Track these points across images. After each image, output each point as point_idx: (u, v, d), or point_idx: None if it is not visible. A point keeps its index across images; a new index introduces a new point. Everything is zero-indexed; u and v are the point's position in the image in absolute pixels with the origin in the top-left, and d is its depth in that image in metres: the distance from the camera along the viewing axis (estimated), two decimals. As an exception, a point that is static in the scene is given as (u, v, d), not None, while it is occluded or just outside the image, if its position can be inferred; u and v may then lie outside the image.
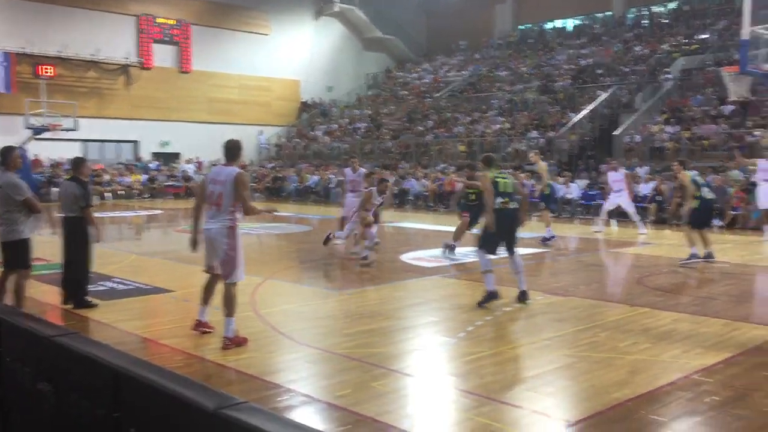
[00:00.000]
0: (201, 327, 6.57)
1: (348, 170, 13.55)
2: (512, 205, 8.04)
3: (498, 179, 8.05)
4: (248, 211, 6.23)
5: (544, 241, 13.48)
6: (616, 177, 15.39)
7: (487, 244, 8.04)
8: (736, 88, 9.42)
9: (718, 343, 6.35)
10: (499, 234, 7.99)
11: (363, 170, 13.59)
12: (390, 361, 5.82)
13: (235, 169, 6.17)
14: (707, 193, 11.05)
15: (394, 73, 41.58)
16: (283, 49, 36.87)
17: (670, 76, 26.53)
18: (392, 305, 8.37)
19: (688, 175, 11.03)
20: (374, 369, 5.58)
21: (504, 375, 5.58)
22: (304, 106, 38.81)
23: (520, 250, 8.59)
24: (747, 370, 5.53)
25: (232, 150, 6.28)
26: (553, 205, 13.47)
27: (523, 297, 8.05)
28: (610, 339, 6.48)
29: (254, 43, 35.96)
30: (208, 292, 6.57)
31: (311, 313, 7.82)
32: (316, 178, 28.52)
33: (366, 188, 12.14)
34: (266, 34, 36.46)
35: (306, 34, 38.43)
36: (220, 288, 6.39)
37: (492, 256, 8.07)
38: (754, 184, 17.23)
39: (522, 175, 12.77)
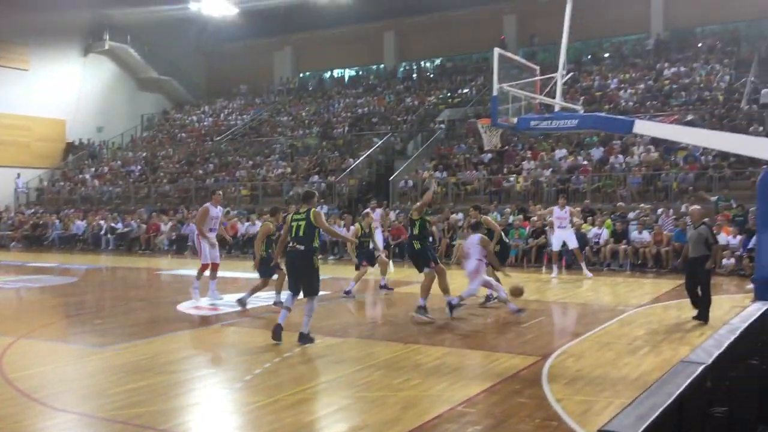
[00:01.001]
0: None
1: (209, 205, 11.85)
2: (299, 247, 8.07)
3: (293, 222, 8.22)
4: None
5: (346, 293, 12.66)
6: (375, 216, 16.40)
7: (290, 284, 8.46)
8: (490, 139, 10.40)
9: (480, 374, 6.82)
10: (289, 275, 8.38)
11: (221, 209, 12.37)
12: (160, 421, 5.44)
13: None
14: (504, 237, 12.16)
15: (171, 114, 40.28)
16: (46, 86, 33.93)
17: (443, 126, 28.68)
18: (166, 359, 7.91)
19: (491, 219, 11.97)
20: (141, 431, 5.18)
21: (282, 423, 5.47)
22: (71, 148, 36.03)
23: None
24: (505, 397, 5.99)
25: None
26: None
27: (301, 339, 8.11)
28: (385, 377, 6.68)
29: (11, 78, 32.73)
30: None
31: (72, 374, 7.12)
32: (82, 224, 26.42)
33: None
34: (25, 69, 33.43)
35: (72, 71, 35.82)
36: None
37: (299, 297, 8.33)
38: (510, 225, 19.11)
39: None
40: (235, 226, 22.66)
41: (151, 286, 15.89)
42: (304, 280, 8.15)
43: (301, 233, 8.08)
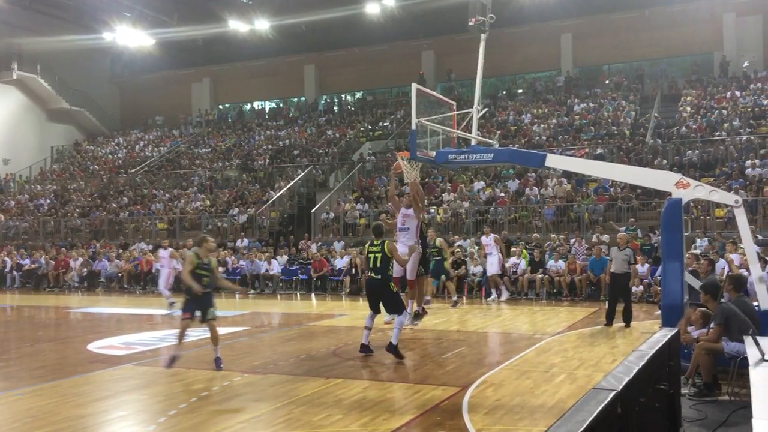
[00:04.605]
0: None
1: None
2: (376, 277, 9.14)
3: (370, 254, 9.22)
4: None
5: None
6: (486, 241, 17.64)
7: (370, 305, 9.45)
8: (410, 172, 10.53)
9: (402, 406, 6.79)
10: (369, 299, 9.50)
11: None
12: (66, 469, 5.14)
13: None
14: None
15: (83, 146, 38.94)
16: (-52, 116, 32.30)
17: (373, 158, 28.81)
18: (73, 403, 7.50)
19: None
20: (45, 481, 4.87)
21: (197, 466, 5.28)
22: (-27, 181, 34.25)
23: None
24: (426, 430, 5.97)
25: None
26: None
27: (389, 348, 9.07)
28: (305, 414, 6.55)
29: None
30: None
31: (-32, 423, 6.64)
32: (-15, 261, 24.99)
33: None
34: (-74, 98, 31.74)
35: (-23, 101, 34.27)
36: None
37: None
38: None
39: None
40: (150, 262, 22.00)
41: (60, 326, 15.13)
42: (387, 302, 9.23)
43: (378, 264, 9.09)
